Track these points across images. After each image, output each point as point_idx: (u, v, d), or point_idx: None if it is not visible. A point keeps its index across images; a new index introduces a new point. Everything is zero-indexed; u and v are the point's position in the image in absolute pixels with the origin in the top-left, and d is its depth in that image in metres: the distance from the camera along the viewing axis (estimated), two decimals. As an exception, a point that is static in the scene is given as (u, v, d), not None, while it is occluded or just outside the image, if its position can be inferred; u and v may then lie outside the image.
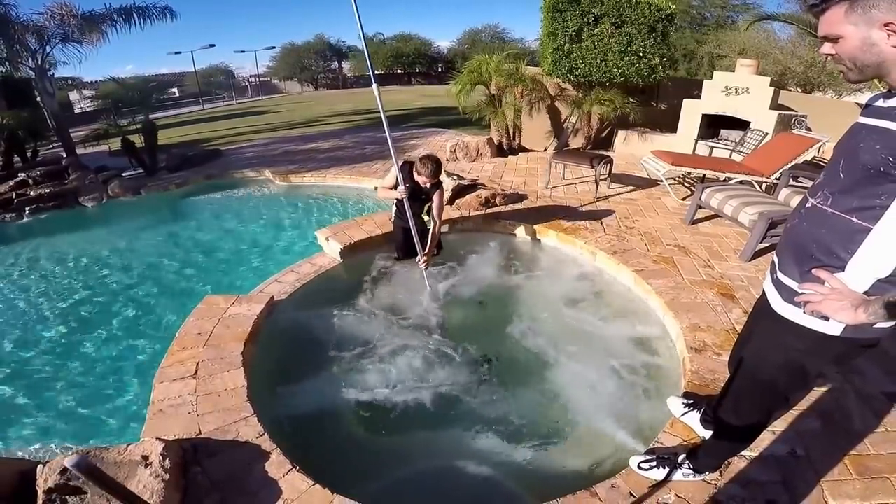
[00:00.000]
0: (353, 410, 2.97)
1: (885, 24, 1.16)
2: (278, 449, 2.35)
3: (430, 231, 4.13)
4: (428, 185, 3.93)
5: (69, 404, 3.30)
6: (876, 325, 1.30)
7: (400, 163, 3.89)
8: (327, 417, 2.95)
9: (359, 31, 3.37)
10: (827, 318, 1.40)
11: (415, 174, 3.90)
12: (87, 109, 24.98)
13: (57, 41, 10.25)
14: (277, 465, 2.26)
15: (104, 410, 3.23)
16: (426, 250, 4.05)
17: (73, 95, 29.06)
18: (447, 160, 8.21)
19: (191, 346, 3.13)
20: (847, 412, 2.55)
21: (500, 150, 8.79)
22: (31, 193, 7.65)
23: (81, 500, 1.92)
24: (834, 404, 2.60)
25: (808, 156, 5.23)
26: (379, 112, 3.62)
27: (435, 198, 4.00)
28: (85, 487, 1.92)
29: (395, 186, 3.90)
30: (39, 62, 10.22)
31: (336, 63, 55.74)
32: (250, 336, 3.26)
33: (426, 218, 4.20)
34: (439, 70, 50.79)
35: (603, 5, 7.41)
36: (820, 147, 5.23)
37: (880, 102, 1.33)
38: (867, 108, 1.39)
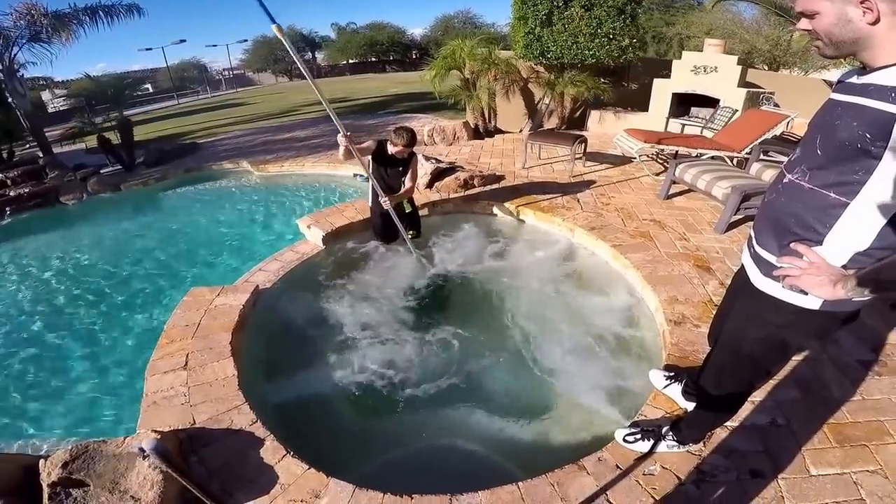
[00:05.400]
0: (342, 394, 3.02)
1: (861, 2, 1.15)
2: (272, 435, 2.39)
3: (403, 188, 4.20)
4: (405, 155, 4.05)
5: (61, 400, 3.29)
6: (854, 299, 1.28)
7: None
8: (318, 402, 2.99)
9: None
10: (805, 293, 1.38)
11: (389, 146, 3.99)
12: (61, 109, 24.57)
13: (24, 41, 10.03)
14: (272, 452, 2.30)
15: (96, 404, 3.24)
16: (394, 195, 4.12)
17: (46, 95, 28.38)
18: (425, 145, 8.22)
19: (179, 338, 3.13)
20: (825, 381, 2.60)
21: (476, 133, 8.83)
22: (11, 194, 7.62)
23: (85, 492, 1.94)
24: (812, 373, 2.65)
25: (776, 131, 5.36)
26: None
27: (411, 166, 4.16)
28: (87, 480, 1.95)
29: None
30: (7, 63, 9.98)
31: (309, 53, 54.76)
32: (238, 325, 3.27)
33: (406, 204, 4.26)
34: (413, 57, 50.17)
35: (572, -12, 7.44)
36: (788, 122, 5.36)
37: (854, 79, 1.31)
38: (840, 85, 1.37)
